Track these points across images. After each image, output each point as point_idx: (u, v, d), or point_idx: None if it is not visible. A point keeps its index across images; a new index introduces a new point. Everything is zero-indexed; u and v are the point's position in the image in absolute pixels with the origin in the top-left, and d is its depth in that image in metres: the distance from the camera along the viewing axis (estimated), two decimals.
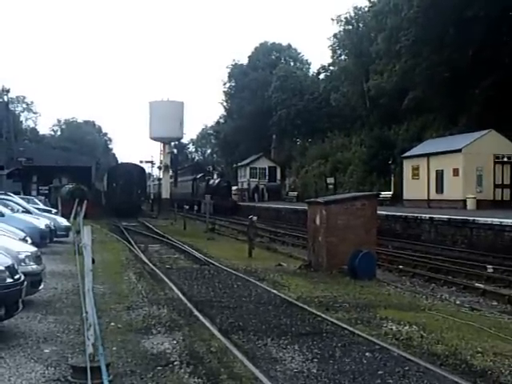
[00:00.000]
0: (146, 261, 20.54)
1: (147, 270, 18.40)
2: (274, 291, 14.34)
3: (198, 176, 69.46)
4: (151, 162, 74.32)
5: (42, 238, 21.56)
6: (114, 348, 8.75)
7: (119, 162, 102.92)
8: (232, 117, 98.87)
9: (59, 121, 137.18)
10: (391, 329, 10.62)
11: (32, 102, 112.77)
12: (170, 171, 68.44)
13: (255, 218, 24.84)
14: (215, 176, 68.34)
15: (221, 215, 50.45)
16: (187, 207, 48.09)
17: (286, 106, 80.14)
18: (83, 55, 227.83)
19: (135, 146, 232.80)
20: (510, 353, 9.15)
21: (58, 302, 12.30)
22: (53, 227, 24.47)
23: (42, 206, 34.75)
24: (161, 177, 66.55)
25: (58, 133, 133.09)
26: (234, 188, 71.01)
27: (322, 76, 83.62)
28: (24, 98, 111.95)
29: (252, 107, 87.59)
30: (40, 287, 12.00)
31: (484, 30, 43.62)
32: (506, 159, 40.03)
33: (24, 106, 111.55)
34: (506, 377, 7.97)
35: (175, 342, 9.32)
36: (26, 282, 9.78)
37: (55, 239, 25.01)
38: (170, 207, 57.05)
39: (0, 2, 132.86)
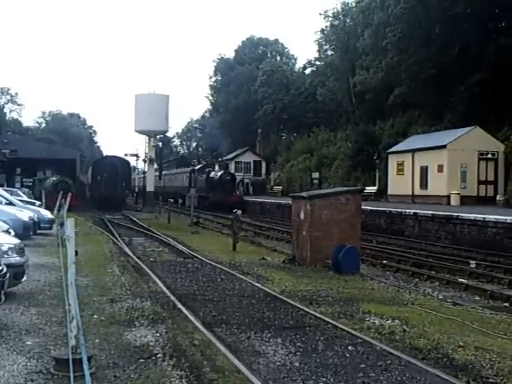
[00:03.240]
0: (130, 254, 20.48)
1: (131, 262, 18.35)
2: (258, 285, 14.37)
3: (197, 167, 65.29)
4: (136, 155, 74.00)
5: (26, 230, 21.42)
6: (97, 340, 8.73)
7: (104, 154, 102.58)
8: (218, 111, 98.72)
9: (44, 113, 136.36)
10: (374, 323, 10.67)
11: (16, 94, 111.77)
12: (155, 164, 68.13)
13: (240, 211, 24.84)
14: (217, 168, 63.23)
15: (226, 212, 42.10)
16: (172, 200, 47.45)
17: (271, 100, 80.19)
18: (69, 47, 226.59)
19: (120, 139, 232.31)
20: (491, 347, 9.23)
21: (41, 294, 12.24)
22: (36, 219, 24.32)
23: (25, 198, 34.54)
24: (146, 170, 66.24)
25: (43, 125, 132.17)
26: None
27: (308, 71, 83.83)
28: (8, 89, 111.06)
29: (238, 101, 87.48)
30: (23, 279, 11.93)
31: (470, 27, 43.80)
32: (490, 156, 40.27)
33: (8, 97, 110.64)
34: (487, 371, 8.04)
35: (158, 334, 9.30)
36: (8, 274, 9.73)
37: (39, 231, 24.84)
38: (155, 201, 56.90)
39: None
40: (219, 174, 57.65)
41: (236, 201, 50.16)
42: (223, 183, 55.78)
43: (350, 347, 8.95)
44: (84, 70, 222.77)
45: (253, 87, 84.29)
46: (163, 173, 78.88)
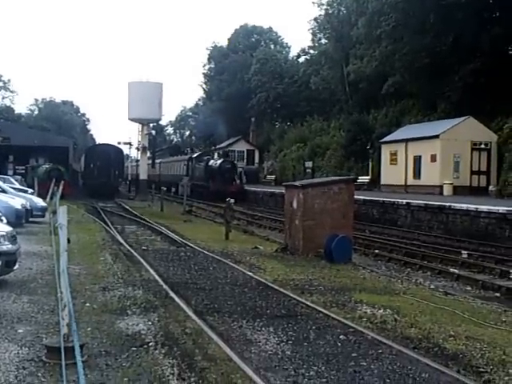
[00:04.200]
0: (123, 242, 20.46)
1: (123, 251, 18.33)
2: (250, 274, 14.40)
3: (195, 155, 62.30)
4: (129, 144, 73.74)
5: (18, 218, 21.38)
6: (89, 329, 8.74)
7: (97, 142, 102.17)
8: (211, 99, 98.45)
9: (36, 100, 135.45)
10: (366, 312, 10.71)
11: (9, 81, 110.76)
12: (148, 153, 67.91)
13: (232, 200, 24.82)
14: (216, 156, 60.97)
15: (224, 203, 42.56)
16: (165, 189, 47.10)
17: (265, 88, 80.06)
18: (62, 34, 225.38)
19: (113, 127, 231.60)
20: (481, 337, 9.28)
21: (33, 282, 12.23)
22: (29, 207, 24.27)
23: (18, 185, 34.45)
24: (139, 158, 66.04)
25: (36, 112, 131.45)
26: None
27: (301, 59, 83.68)
28: (0, 76, 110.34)
29: (231, 89, 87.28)
30: (15, 267, 11.93)
31: (465, 16, 43.74)
32: (483, 146, 40.33)
33: (0, 84, 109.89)
34: (478, 360, 8.09)
35: (150, 323, 9.33)
36: (0, 262, 9.72)
37: (31, 219, 24.81)
38: (148, 189, 56.79)
39: None
40: (219, 162, 55.20)
41: (236, 190, 49.08)
42: (223, 172, 53.34)
43: (341, 336, 8.99)
44: (77, 58, 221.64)
45: (246, 75, 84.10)
46: (158, 161, 78.65)
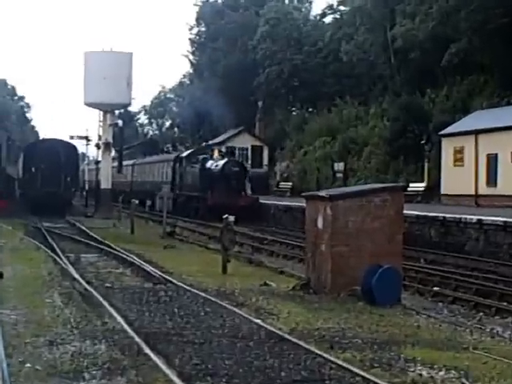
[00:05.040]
0: (77, 277, 20.42)
1: (78, 289, 18.29)
2: (258, 321, 14.36)
3: (184, 154, 60.92)
4: (86, 138, 73.95)
5: None
6: None
7: (41, 137, 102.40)
8: (201, 75, 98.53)
9: None
10: (421, 375, 10.67)
11: None
12: (113, 151, 68.03)
13: (232, 217, 24.77)
14: (216, 154, 57.16)
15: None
16: (136, 202, 46.87)
17: (277, 60, 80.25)
18: None
19: (64, 116, 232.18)
20: None
21: None
22: None
23: None
24: (100, 159, 66.16)
25: None
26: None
27: (328, 19, 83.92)
28: None
29: (230, 62, 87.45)
30: None
31: None
32: None
33: None
34: None
35: None
36: None
37: None
38: (113, 203, 56.82)
39: None
40: (221, 163, 52.89)
41: (248, 205, 48.47)
42: (228, 177, 51.57)
43: None
44: (14, 21, 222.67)
45: (251, 42, 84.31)
46: (130, 162, 78.67)
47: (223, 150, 60.57)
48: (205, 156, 56.85)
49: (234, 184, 51.49)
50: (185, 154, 60.86)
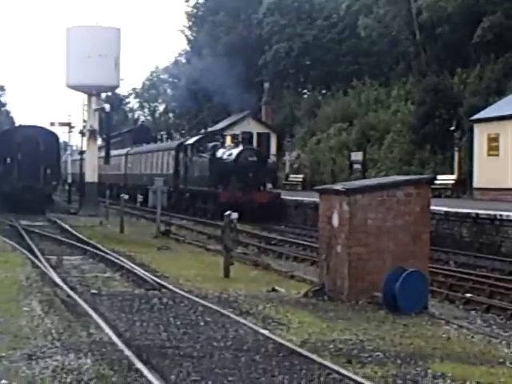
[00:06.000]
0: (59, 282, 20.49)
1: (61, 296, 18.36)
2: (265, 332, 14.40)
3: (190, 141, 58.44)
4: (69, 125, 74.14)
5: None
6: None
7: (17, 124, 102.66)
8: (199, 53, 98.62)
9: None
10: None
11: None
12: (100, 140, 68.10)
13: (235, 214, 24.66)
14: (229, 142, 55.84)
15: (249, 221, 41.62)
16: (126, 197, 46.50)
17: (286, 36, 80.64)
18: None
19: (43, 100, 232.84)
20: None
21: None
22: None
23: None
24: (84, 148, 66.25)
25: None
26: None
27: None
28: None
29: (232, 38, 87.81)
30: None
31: None
32: None
33: None
34: None
35: None
36: None
37: None
38: (101, 198, 56.97)
39: None
40: (236, 151, 50.62)
41: (269, 202, 47.93)
42: (244, 169, 49.28)
43: None
44: None
45: (255, 16, 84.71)
46: (123, 152, 78.90)
47: (239, 135, 55.95)
48: (215, 143, 54.69)
49: (251, 177, 49.41)
50: (190, 141, 58.60)
